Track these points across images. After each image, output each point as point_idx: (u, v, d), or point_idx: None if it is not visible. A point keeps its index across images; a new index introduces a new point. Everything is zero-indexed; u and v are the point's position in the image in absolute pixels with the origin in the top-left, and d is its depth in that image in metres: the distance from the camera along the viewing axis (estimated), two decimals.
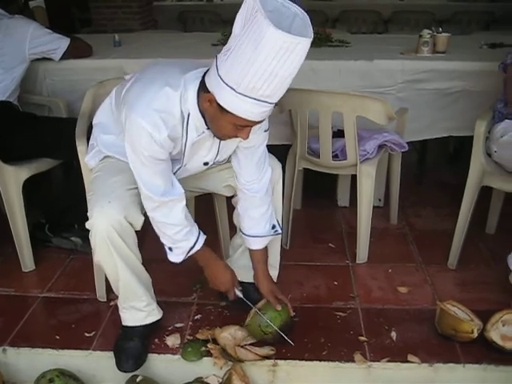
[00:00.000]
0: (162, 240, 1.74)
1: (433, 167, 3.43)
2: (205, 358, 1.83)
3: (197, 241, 1.74)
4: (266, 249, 1.93)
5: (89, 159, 1.88)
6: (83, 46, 2.69)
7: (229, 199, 2.04)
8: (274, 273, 2.06)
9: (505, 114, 2.16)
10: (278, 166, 1.95)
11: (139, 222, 1.70)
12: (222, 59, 1.41)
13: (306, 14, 1.36)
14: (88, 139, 1.94)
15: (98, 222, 1.63)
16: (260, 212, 1.87)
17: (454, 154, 3.56)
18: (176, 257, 1.75)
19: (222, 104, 1.44)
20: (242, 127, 1.51)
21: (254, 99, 1.39)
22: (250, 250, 1.93)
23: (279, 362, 1.81)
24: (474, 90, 2.60)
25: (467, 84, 2.60)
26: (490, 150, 2.20)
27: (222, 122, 1.51)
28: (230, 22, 1.42)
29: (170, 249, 1.74)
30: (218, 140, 1.69)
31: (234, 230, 2.13)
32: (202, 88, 1.51)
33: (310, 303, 2.11)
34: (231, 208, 2.04)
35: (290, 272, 2.23)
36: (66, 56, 2.57)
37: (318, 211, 2.85)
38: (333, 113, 2.13)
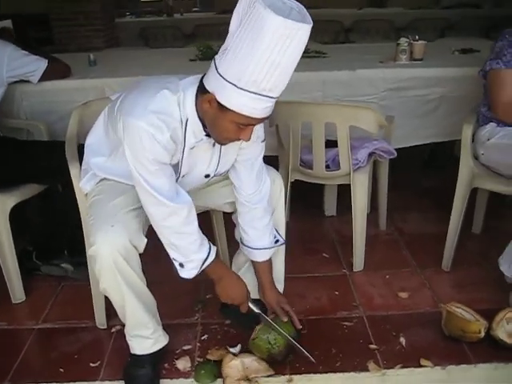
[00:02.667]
0: (173, 255, 1.66)
1: (409, 172, 3.51)
2: (219, 380, 1.79)
3: (209, 253, 1.69)
4: (270, 260, 1.92)
5: (84, 183, 1.82)
6: (61, 66, 2.62)
7: (226, 215, 2.02)
8: (280, 287, 2.05)
9: (489, 117, 2.22)
10: (279, 177, 1.93)
11: (142, 245, 1.65)
12: (221, 58, 1.40)
13: (302, 6, 1.35)
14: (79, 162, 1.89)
15: (102, 248, 1.56)
16: (263, 223, 1.85)
17: (429, 159, 3.65)
18: (188, 272, 1.67)
19: (223, 102, 1.41)
20: (244, 126, 1.48)
21: (256, 94, 1.37)
22: (255, 263, 1.91)
23: (294, 376, 1.80)
24: (453, 95, 2.68)
25: (446, 90, 2.68)
26: (477, 153, 2.26)
27: (223, 123, 1.47)
28: (191, 36, 1.42)
29: (181, 265, 1.67)
30: (218, 150, 1.68)
31: (232, 246, 2.12)
32: (201, 91, 1.49)
33: (315, 315, 2.10)
34: (229, 224, 2.03)
35: (289, 285, 2.20)
36: (45, 78, 2.50)
37: (307, 222, 2.86)
38: (326, 123, 2.15)
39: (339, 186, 2.82)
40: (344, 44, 3.73)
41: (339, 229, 2.77)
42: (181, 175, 1.69)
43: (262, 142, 1.75)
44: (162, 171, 1.55)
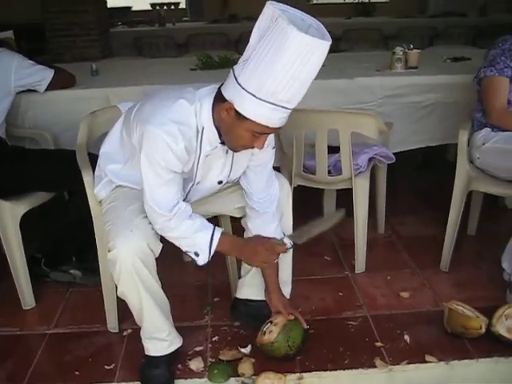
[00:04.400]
0: (185, 249, 1.70)
1: (403, 176, 3.59)
2: (232, 379, 1.84)
3: (214, 228, 1.70)
4: (277, 264, 1.96)
5: (99, 190, 1.88)
6: (67, 76, 2.67)
7: (233, 220, 2.08)
8: (287, 289, 2.11)
9: (484, 122, 2.31)
10: (286, 183, 1.99)
11: (158, 249, 1.70)
12: (240, 69, 1.47)
13: (320, 24, 1.44)
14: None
15: (122, 252, 1.62)
16: (273, 228, 1.90)
17: (423, 162, 3.75)
18: (204, 255, 1.69)
19: (241, 111, 1.48)
20: (258, 135, 1.55)
21: (274, 104, 1.45)
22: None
23: (304, 374, 1.86)
24: (446, 101, 2.78)
25: (439, 96, 2.78)
26: (473, 157, 2.34)
27: (239, 131, 1.54)
28: (184, 46, 1.49)
29: (196, 254, 1.69)
30: (231, 157, 1.74)
31: None
32: (218, 100, 1.56)
33: (321, 315, 2.17)
34: (236, 228, 2.08)
35: (294, 287, 2.24)
36: (51, 87, 2.55)
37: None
38: (328, 130, 2.23)
39: (338, 190, 2.90)
40: (338, 53, 3.81)
41: (339, 232, 2.84)
42: (195, 182, 1.75)
43: (273, 148, 1.82)
44: (173, 181, 1.62)
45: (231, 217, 2.13)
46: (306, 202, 3.01)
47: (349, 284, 2.39)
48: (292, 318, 1.90)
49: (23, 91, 2.52)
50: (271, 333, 1.87)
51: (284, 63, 1.38)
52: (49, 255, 2.42)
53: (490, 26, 5.65)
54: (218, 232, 1.71)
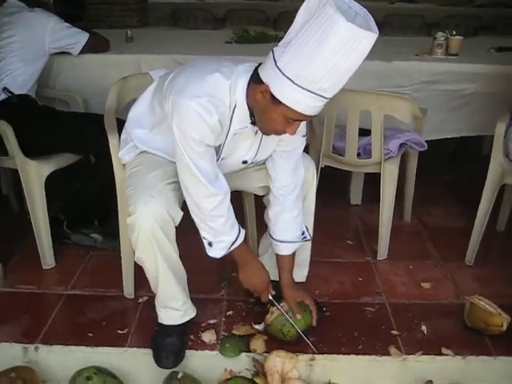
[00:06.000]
0: (203, 234, 1.70)
1: (432, 167, 3.51)
2: (243, 354, 1.83)
3: (238, 235, 1.73)
4: (293, 255, 1.93)
5: (123, 154, 1.86)
6: (102, 40, 2.67)
7: (257, 197, 2.05)
8: (304, 272, 2.09)
9: None
10: (312, 164, 1.95)
11: (179, 217, 1.68)
12: (281, 52, 1.42)
13: (367, 12, 1.38)
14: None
15: (142, 217, 1.60)
16: (292, 216, 1.87)
17: (453, 154, 3.65)
18: (217, 252, 1.72)
19: (276, 95, 1.44)
20: (292, 121, 1.51)
21: (311, 92, 1.40)
22: (278, 257, 1.93)
23: (316, 356, 1.83)
24: (485, 92, 2.67)
25: (478, 86, 2.68)
26: (509, 150, 2.26)
27: (272, 115, 1.50)
28: (222, 21, 1.44)
29: (210, 244, 1.71)
30: (259, 139, 1.70)
31: (260, 227, 2.15)
32: (254, 80, 1.51)
33: (338, 299, 2.14)
34: (259, 205, 2.05)
35: (313, 268, 2.23)
36: (85, 50, 2.55)
37: (332, 209, 2.86)
38: (360, 111, 2.17)
39: (366, 176, 2.86)
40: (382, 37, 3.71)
41: (364, 217, 2.80)
42: (220, 158, 1.72)
43: (303, 136, 1.78)
44: (206, 153, 1.58)
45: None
46: (332, 186, 2.98)
47: (369, 270, 2.34)
48: (299, 316, 1.84)
49: (57, 53, 2.52)
50: (272, 314, 1.86)
51: (327, 52, 1.32)
52: (71, 217, 2.44)
53: None
54: (241, 238, 1.73)
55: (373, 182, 2.42)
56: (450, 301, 2.13)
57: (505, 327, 1.87)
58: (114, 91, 2.11)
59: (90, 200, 2.39)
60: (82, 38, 2.52)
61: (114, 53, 2.73)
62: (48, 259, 2.29)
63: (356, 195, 2.93)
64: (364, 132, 2.28)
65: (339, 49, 1.32)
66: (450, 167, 3.58)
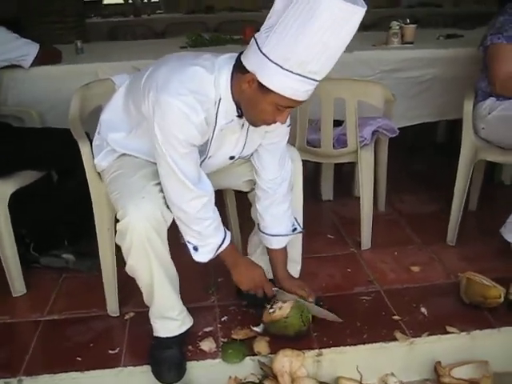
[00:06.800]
0: (188, 238, 1.61)
1: (394, 157, 3.55)
2: (246, 358, 1.74)
3: (225, 237, 1.65)
4: (285, 248, 1.88)
5: (99, 160, 1.74)
6: (53, 51, 2.53)
7: (238, 195, 1.98)
8: (297, 268, 2.03)
9: (488, 92, 2.27)
10: (297, 154, 1.90)
11: (170, 218, 1.58)
12: (264, 37, 1.35)
13: None
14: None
15: (134, 220, 1.49)
16: (282, 209, 1.82)
17: (411, 144, 3.72)
18: (203, 256, 1.62)
19: (265, 83, 1.37)
20: (283, 109, 1.44)
21: (301, 76, 1.34)
22: (270, 251, 1.88)
23: (323, 350, 1.77)
24: (444, 76, 2.74)
25: (437, 71, 2.75)
26: (477, 128, 2.30)
27: (261, 104, 1.43)
28: (161, 34, 1.38)
29: (195, 248, 1.62)
30: (246, 132, 1.64)
31: (243, 226, 2.07)
32: (238, 70, 1.44)
33: (332, 292, 2.09)
34: (240, 204, 1.98)
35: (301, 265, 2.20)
36: (37, 63, 2.40)
37: (306, 206, 2.81)
38: (334, 99, 2.15)
39: (335, 171, 2.84)
40: None
41: (338, 212, 2.78)
42: (207, 156, 1.64)
43: (288, 126, 1.72)
44: (190, 154, 1.50)
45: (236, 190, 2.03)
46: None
47: (356, 260, 2.31)
48: (312, 299, 1.83)
49: (7, 66, 2.36)
50: (282, 308, 1.77)
51: (315, 31, 1.26)
52: (38, 239, 2.27)
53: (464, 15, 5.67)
54: (228, 240, 1.65)
55: (342, 177, 2.39)
56: (442, 281, 2.13)
57: (502, 298, 1.88)
58: (76, 99, 1.99)
59: (55, 219, 2.24)
60: (33, 49, 2.37)
61: (67, 63, 2.59)
62: (18, 286, 2.11)
63: (327, 191, 2.90)
64: (335, 123, 2.27)
65: (328, 26, 1.26)
66: (410, 156, 3.63)
